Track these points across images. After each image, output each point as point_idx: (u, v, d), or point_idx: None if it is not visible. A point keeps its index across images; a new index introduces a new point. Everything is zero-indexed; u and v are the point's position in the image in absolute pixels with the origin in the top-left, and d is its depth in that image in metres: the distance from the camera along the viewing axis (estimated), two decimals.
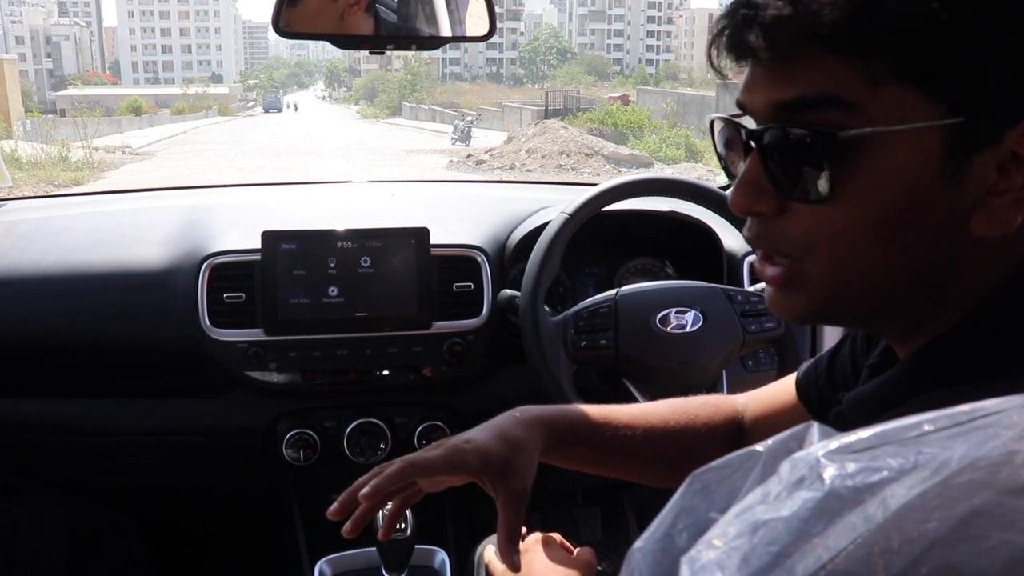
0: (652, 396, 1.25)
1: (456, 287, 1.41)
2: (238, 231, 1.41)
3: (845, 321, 0.59)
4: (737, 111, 0.56)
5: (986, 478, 0.29)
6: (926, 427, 0.32)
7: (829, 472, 0.31)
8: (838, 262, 0.51)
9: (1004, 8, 0.45)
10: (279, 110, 59.18)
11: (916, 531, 0.28)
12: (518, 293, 1.28)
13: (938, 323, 0.52)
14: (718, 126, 0.58)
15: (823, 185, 0.49)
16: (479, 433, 0.81)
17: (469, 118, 27.39)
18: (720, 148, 0.59)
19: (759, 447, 0.35)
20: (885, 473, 0.30)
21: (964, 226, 0.48)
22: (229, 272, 1.35)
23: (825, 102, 0.48)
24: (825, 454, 0.32)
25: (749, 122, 0.55)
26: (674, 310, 1.25)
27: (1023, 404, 0.32)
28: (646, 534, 0.35)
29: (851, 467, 0.31)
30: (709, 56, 0.54)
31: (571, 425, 0.85)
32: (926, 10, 0.45)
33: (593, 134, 19.05)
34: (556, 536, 0.91)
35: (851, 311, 0.55)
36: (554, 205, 1.42)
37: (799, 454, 0.33)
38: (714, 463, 0.36)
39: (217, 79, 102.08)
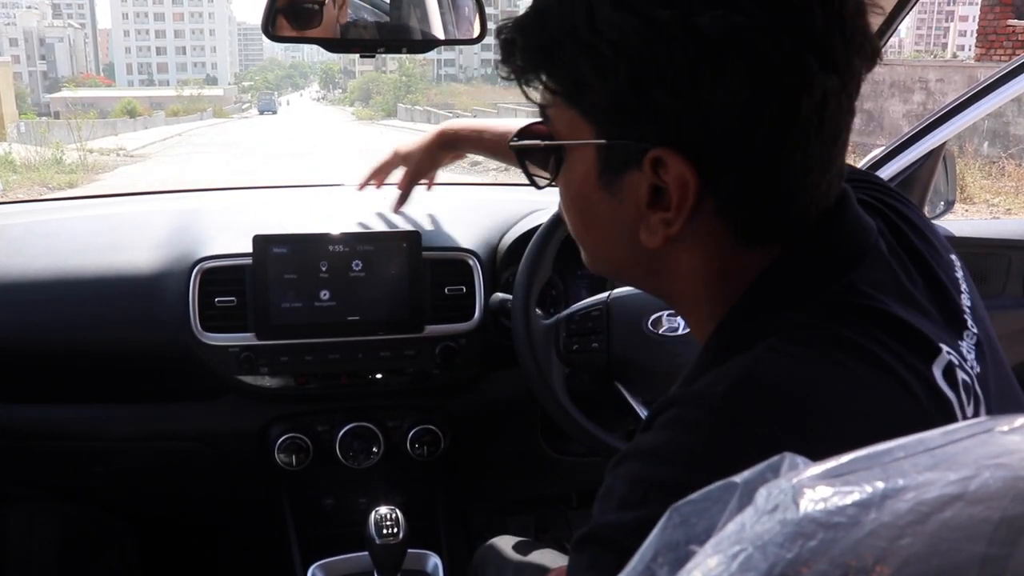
0: (644, 398, 1.26)
1: (448, 290, 1.41)
2: (229, 235, 1.40)
3: (633, 284, 0.76)
4: None
5: (958, 491, 0.29)
6: (899, 454, 0.33)
7: (803, 497, 0.32)
8: (573, 229, 0.65)
9: (639, 51, 0.52)
10: (274, 112, 59.11)
11: (890, 548, 0.29)
12: (510, 296, 1.28)
13: (704, 317, 0.61)
14: None
15: (547, 170, 0.64)
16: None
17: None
18: None
19: (736, 479, 0.36)
20: (858, 495, 0.31)
21: (638, 233, 0.58)
22: (220, 276, 1.35)
23: (542, 109, 0.61)
24: (799, 481, 0.33)
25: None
26: (666, 313, 1.25)
27: (992, 429, 0.33)
28: (627, 569, 0.36)
29: (825, 491, 0.32)
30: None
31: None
32: (554, 53, 0.56)
33: None
34: None
35: (614, 276, 0.76)
36: (546, 208, 1.42)
37: (774, 482, 0.34)
38: (692, 496, 0.37)
39: (212, 81, 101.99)
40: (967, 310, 0.62)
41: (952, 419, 0.54)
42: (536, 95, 0.60)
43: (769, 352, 0.53)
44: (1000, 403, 0.59)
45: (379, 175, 1.44)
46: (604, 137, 0.56)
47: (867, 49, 0.54)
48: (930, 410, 0.53)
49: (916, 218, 0.66)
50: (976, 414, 0.57)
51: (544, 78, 0.58)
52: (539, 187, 0.67)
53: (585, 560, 0.51)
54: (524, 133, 0.65)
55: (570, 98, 0.57)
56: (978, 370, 0.58)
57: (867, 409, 0.52)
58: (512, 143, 0.66)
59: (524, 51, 0.57)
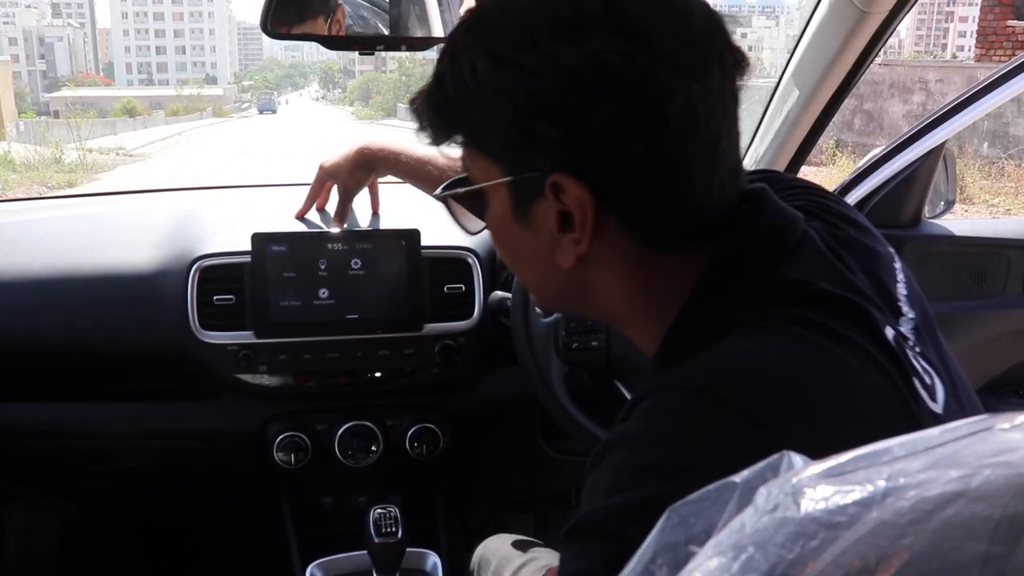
0: None
1: (447, 289, 1.40)
2: (228, 233, 1.40)
3: (581, 314, 0.84)
4: None
5: (959, 489, 0.29)
6: (899, 452, 0.33)
7: (803, 497, 0.32)
8: (514, 269, 0.73)
9: (516, 93, 0.57)
10: (274, 111, 59.02)
11: (892, 548, 0.28)
12: (509, 295, 1.28)
13: (656, 326, 0.64)
14: None
15: (476, 216, 0.69)
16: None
17: None
18: None
19: (735, 478, 0.36)
20: (859, 494, 0.31)
21: (555, 258, 0.63)
22: (219, 274, 1.35)
23: (464, 167, 0.66)
24: (799, 480, 0.33)
25: None
26: None
27: (992, 427, 0.33)
28: (626, 571, 0.36)
29: (825, 491, 0.31)
30: None
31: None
32: (449, 106, 0.62)
33: None
34: None
35: (557, 307, 0.81)
36: None
37: (774, 481, 0.33)
38: (691, 496, 0.36)
39: (211, 80, 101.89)
40: (902, 297, 0.66)
41: (913, 388, 0.58)
42: (453, 152, 0.67)
43: (741, 338, 0.56)
44: (947, 374, 0.63)
45: (315, 197, 1.41)
46: (510, 174, 0.61)
47: (728, 57, 0.59)
48: (897, 380, 0.57)
49: (854, 216, 0.71)
50: (932, 384, 0.60)
51: (451, 134, 0.64)
52: (471, 233, 0.72)
53: (575, 551, 0.52)
54: (449, 186, 0.70)
55: (475, 146, 0.63)
56: (919, 349, 0.62)
57: (846, 383, 0.55)
58: (436, 194, 0.71)
59: (430, 113, 0.64)
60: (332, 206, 1.41)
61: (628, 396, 1.24)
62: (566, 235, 0.61)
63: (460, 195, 0.68)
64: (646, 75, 0.56)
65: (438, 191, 0.70)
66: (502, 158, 0.62)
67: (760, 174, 0.76)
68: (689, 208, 0.60)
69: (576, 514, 0.54)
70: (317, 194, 1.41)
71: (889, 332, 0.59)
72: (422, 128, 0.66)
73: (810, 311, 0.57)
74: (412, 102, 0.65)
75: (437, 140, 0.65)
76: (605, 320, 0.73)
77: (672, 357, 0.60)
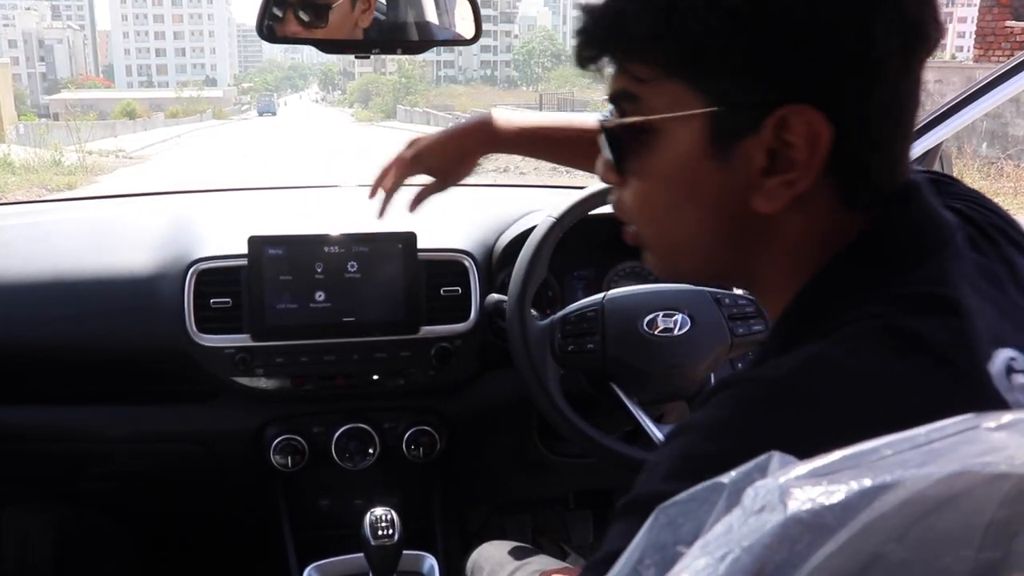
0: (640, 399, 1.25)
1: (444, 291, 1.40)
2: (225, 236, 1.40)
3: (700, 279, 0.67)
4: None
5: (943, 494, 0.29)
6: (886, 452, 0.33)
7: (790, 498, 0.31)
8: (651, 225, 0.62)
9: (744, 10, 0.51)
10: (273, 113, 59.07)
11: (876, 552, 0.28)
12: (505, 297, 1.28)
13: (788, 291, 0.59)
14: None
15: (627, 162, 0.60)
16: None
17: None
18: None
19: (723, 479, 0.36)
20: (845, 496, 0.30)
21: (748, 202, 0.56)
22: (216, 277, 1.35)
23: (622, 97, 0.58)
24: (786, 481, 0.32)
25: None
26: (661, 313, 1.25)
27: (979, 425, 0.33)
28: (613, 572, 0.36)
29: (812, 492, 0.31)
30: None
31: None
32: (674, 18, 0.53)
33: None
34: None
35: (692, 270, 0.64)
36: (542, 208, 1.42)
37: (761, 482, 0.33)
38: (679, 496, 0.36)
39: (211, 82, 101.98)
40: None
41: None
42: (616, 82, 0.58)
43: (836, 344, 0.52)
44: None
45: (397, 180, 1.12)
46: (719, 104, 0.54)
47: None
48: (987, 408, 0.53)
49: (1017, 235, 0.64)
50: None
51: (640, 54, 0.56)
52: (626, 174, 0.61)
53: (620, 528, 0.50)
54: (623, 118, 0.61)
55: (682, 68, 0.54)
56: None
57: (924, 404, 0.50)
58: (608, 123, 0.61)
59: (638, 20, 0.54)
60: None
61: (624, 398, 1.24)
62: (771, 177, 0.55)
63: (636, 126, 0.58)
64: (924, 28, 0.53)
65: (610, 120, 0.60)
66: (717, 84, 0.54)
67: (927, 172, 0.71)
68: (894, 165, 0.56)
69: (632, 490, 0.52)
70: (399, 176, 1.11)
71: (1005, 357, 0.53)
72: (606, 39, 0.57)
73: (930, 324, 0.52)
74: (586, 9, 0.57)
75: (622, 59, 0.57)
76: (740, 278, 0.64)
77: (779, 342, 0.56)
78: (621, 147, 0.60)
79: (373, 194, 1.13)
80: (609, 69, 0.58)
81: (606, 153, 0.62)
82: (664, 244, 0.62)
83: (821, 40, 0.51)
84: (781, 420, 0.49)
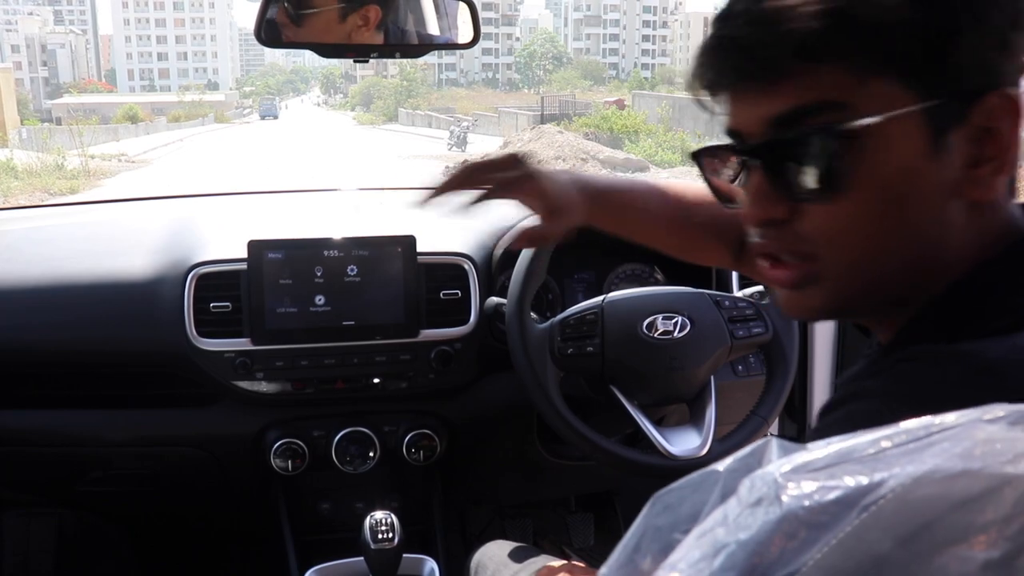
0: (640, 402, 1.25)
1: (443, 295, 1.40)
2: (225, 240, 1.40)
3: (858, 312, 0.62)
4: (716, 141, 0.62)
5: (940, 492, 0.29)
6: (884, 443, 0.32)
7: (786, 493, 0.31)
8: (854, 250, 0.55)
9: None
10: (276, 117, 59.07)
11: (871, 551, 0.28)
12: (505, 300, 1.28)
13: (919, 301, 0.56)
14: (703, 158, 0.64)
15: (830, 182, 0.53)
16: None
17: (465, 123, 27.32)
18: (709, 176, 0.64)
19: (719, 466, 0.35)
20: (841, 492, 0.30)
21: (952, 198, 0.53)
22: (215, 281, 1.35)
23: (819, 107, 0.53)
24: (783, 473, 0.32)
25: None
26: (661, 316, 1.25)
27: (979, 418, 0.32)
28: (611, 559, 0.36)
29: (808, 487, 0.31)
30: (691, 89, 0.59)
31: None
32: (895, 9, 0.50)
33: (589, 139, 19.07)
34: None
35: (868, 299, 0.58)
36: None
37: (758, 473, 0.33)
38: (675, 483, 0.36)
39: (213, 86, 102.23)
40: None
41: None
42: (805, 93, 0.53)
43: (938, 367, 0.49)
44: None
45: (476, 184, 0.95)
46: (934, 97, 0.51)
47: None
48: None
49: None
50: None
51: (845, 51, 0.52)
52: (825, 198, 0.54)
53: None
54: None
55: (899, 66, 0.51)
56: None
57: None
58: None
59: (812, 26, 0.51)
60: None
61: (624, 401, 1.24)
62: (981, 166, 0.53)
63: (847, 133, 0.52)
64: None
65: (809, 132, 0.53)
66: (930, 79, 0.51)
67: None
68: None
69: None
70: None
71: None
72: (829, 40, 0.51)
73: None
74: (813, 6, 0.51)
75: (815, 57, 0.52)
76: (888, 293, 0.57)
77: (957, 314, 0.53)
78: (828, 163, 0.53)
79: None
80: (789, 81, 0.53)
81: (768, 185, 0.56)
82: (853, 271, 0.56)
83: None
84: (967, 395, 0.44)
